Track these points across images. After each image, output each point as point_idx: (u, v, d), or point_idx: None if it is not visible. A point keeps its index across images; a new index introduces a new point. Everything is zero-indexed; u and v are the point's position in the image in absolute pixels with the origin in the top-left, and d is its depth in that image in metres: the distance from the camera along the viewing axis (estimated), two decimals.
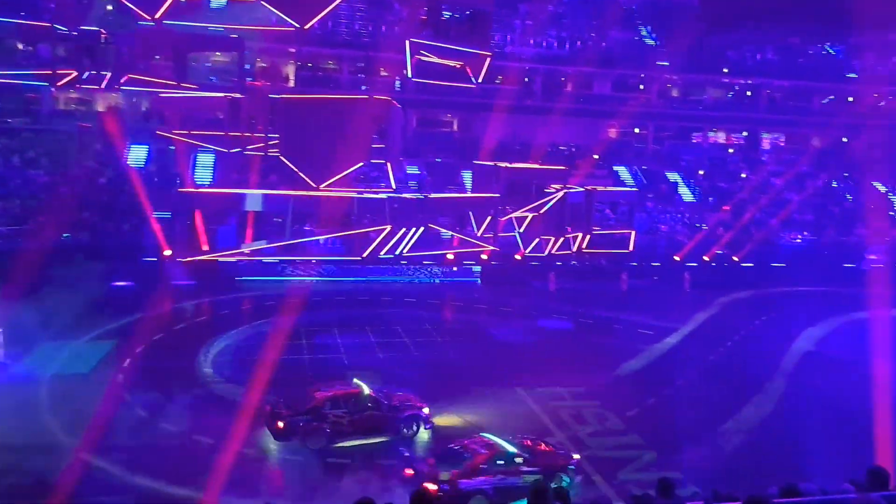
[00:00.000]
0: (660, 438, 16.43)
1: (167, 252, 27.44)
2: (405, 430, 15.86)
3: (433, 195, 28.36)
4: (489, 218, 29.78)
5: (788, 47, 47.72)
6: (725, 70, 46.04)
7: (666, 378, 20.83)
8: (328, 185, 27.03)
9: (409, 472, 13.34)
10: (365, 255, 26.16)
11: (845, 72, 47.91)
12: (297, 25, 26.31)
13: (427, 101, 39.98)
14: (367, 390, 15.88)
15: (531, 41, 44.58)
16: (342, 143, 26.73)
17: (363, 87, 39.30)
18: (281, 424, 15.01)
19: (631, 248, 33.85)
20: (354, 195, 27.07)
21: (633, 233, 33.90)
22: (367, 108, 28.54)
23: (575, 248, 33.23)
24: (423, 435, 16.18)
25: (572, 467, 14.05)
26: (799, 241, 39.21)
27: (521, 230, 31.61)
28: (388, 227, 25.84)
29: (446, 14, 39.08)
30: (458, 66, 35.84)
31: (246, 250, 27.74)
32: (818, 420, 16.84)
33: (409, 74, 35.42)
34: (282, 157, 27.55)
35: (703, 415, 17.89)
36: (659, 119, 46.77)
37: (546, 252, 32.26)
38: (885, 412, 16.04)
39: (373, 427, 15.59)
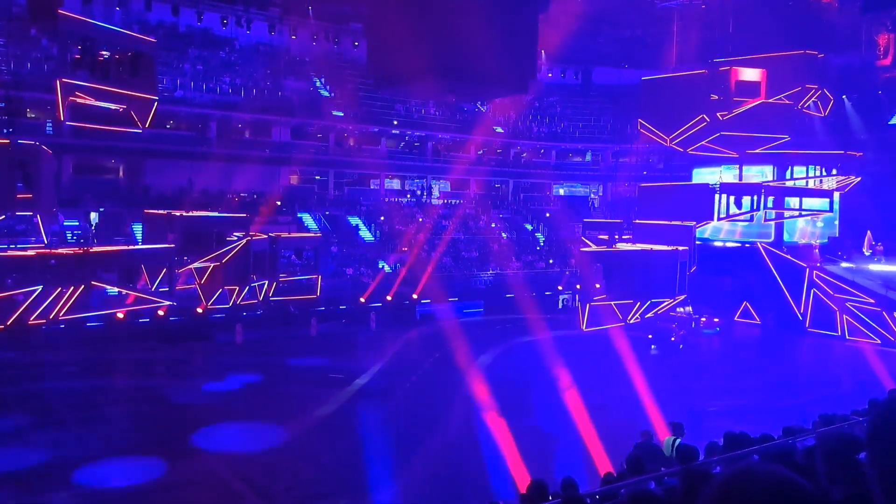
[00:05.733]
0: (354, 482, 16.52)
1: None
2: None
3: (96, 249, 25.30)
4: (164, 270, 27.52)
5: (447, 104, 53.02)
6: (395, 122, 49.47)
7: (355, 420, 21.13)
8: None
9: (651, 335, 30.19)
10: (9, 322, 22.20)
11: (494, 126, 54.78)
12: None
13: (86, 146, 36.05)
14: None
15: (204, 86, 43.06)
16: None
17: (6, 130, 34.09)
18: (673, 338, 30.79)
19: (318, 293, 34.07)
20: None
21: (319, 277, 34.20)
22: (7, 154, 24.75)
23: (261, 297, 32.41)
24: None
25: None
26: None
27: (202, 281, 29.84)
28: (39, 288, 22.32)
29: (105, 54, 36.05)
30: (121, 109, 33.11)
31: None
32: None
33: (62, 118, 31.78)
34: None
35: (389, 454, 18.42)
36: (338, 166, 48.34)
37: (231, 303, 30.90)
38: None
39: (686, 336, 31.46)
